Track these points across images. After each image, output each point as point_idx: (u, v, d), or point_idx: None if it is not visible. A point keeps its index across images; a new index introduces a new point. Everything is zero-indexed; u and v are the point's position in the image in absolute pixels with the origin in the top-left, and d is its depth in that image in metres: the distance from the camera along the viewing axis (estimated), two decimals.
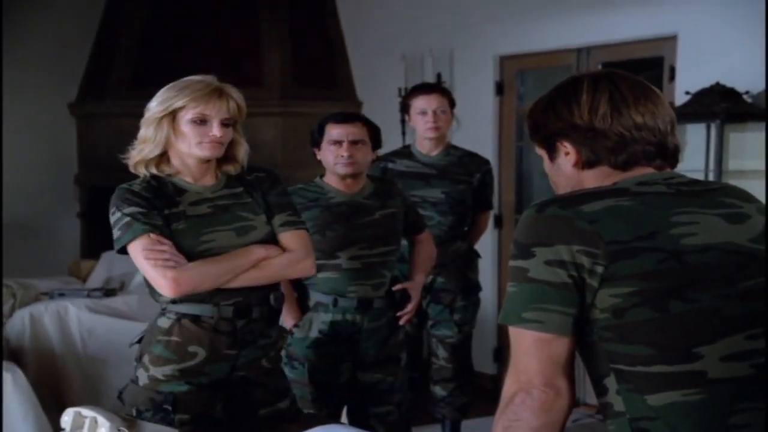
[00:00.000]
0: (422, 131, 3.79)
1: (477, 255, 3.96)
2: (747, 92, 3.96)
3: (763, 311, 1.39)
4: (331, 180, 3.00)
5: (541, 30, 4.89)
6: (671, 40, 4.34)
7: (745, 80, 3.95)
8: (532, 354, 1.38)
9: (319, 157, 3.02)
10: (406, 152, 3.87)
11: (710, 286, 1.37)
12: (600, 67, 4.86)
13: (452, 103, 3.81)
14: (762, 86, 3.96)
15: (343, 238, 2.92)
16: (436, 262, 3.59)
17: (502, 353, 5.35)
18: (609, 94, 1.47)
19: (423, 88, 3.86)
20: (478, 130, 5.16)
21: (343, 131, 2.94)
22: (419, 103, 3.76)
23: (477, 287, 3.92)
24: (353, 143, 2.93)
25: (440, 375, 3.91)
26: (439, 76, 5.36)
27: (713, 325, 1.36)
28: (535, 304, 1.37)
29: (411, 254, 3.18)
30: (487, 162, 3.93)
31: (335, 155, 2.94)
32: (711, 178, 4.02)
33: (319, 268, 2.90)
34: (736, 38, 4.02)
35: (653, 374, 1.35)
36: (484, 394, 4.99)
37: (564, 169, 1.53)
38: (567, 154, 1.51)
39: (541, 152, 1.58)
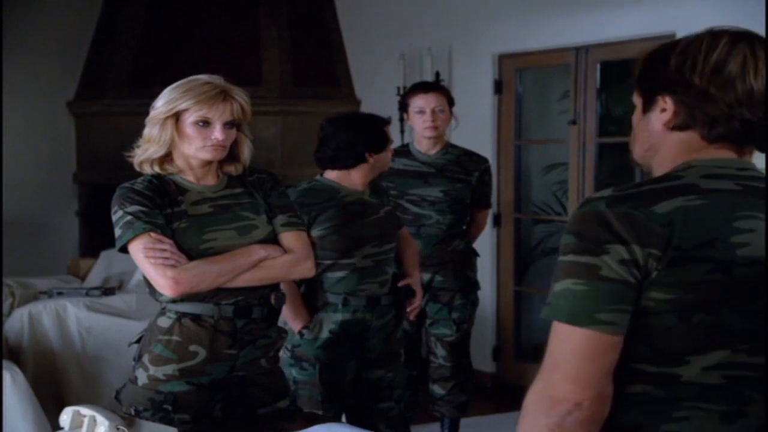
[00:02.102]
0: (420, 130, 3.79)
1: (475, 253, 3.97)
2: None
3: (763, 329, 1.36)
4: (341, 179, 2.98)
5: (539, 29, 4.89)
6: (670, 38, 4.33)
7: None
8: (595, 359, 1.30)
9: (372, 159, 2.95)
10: (404, 151, 3.88)
11: (739, 302, 1.34)
12: (598, 66, 4.87)
13: (451, 102, 3.81)
14: None
15: (359, 236, 2.93)
16: (435, 261, 3.59)
17: (500, 352, 5.35)
18: (743, 57, 1.37)
19: (421, 87, 3.86)
20: (477, 129, 5.16)
21: (390, 132, 3.06)
22: (417, 102, 3.76)
23: (475, 286, 3.92)
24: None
25: (439, 374, 3.91)
26: (437, 74, 5.36)
27: (716, 339, 1.34)
28: (611, 305, 1.29)
29: (397, 251, 3.19)
30: (485, 160, 3.93)
31: (391, 155, 3.06)
32: None
33: (331, 268, 2.90)
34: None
35: (636, 370, 1.35)
36: (483, 393, 5.00)
37: (652, 125, 1.45)
38: (662, 111, 1.42)
39: (637, 100, 1.49)
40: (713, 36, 1.40)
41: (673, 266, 1.30)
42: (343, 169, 2.96)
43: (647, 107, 1.46)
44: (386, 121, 3.06)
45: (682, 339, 1.33)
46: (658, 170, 1.45)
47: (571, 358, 1.30)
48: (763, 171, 1.46)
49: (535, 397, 1.34)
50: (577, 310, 1.30)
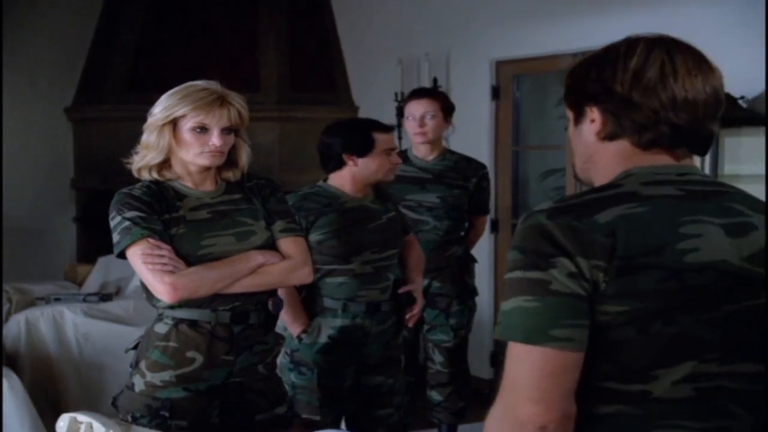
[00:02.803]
0: (411, 136, 3.81)
1: (473, 259, 3.97)
2: (742, 97, 3.97)
3: (733, 336, 1.32)
4: (341, 185, 2.98)
5: (537, 35, 4.90)
6: None
7: (741, 85, 3.95)
8: (556, 378, 1.25)
9: (353, 164, 2.95)
10: (402, 156, 3.88)
11: (696, 310, 1.30)
12: None
13: (446, 108, 3.81)
14: (757, 91, 3.97)
15: (358, 242, 2.93)
16: (432, 267, 3.59)
17: (498, 358, 5.35)
18: (661, 62, 1.35)
19: (414, 94, 3.88)
20: (475, 135, 5.16)
21: (392, 139, 3.01)
22: (409, 108, 3.79)
23: (473, 292, 3.93)
24: (390, 151, 2.99)
25: (436, 380, 3.91)
26: (435, 80, 5.37)
27: (681, 350, 1.30)
28: (566, 320, 1.24)
29: (401, 257, 3.19)
30: (483, 166, 3.94)
31: (388, 163, 2.96)
32: None
33: (331, 273, 2.90)
34: (731, 43, 4.03)
35: (603, 389, 1.30)
36: (481, 399, 4.98)
37: (585, 137, 1.43)
38: (592, 121, 1.41)
39: (569, 114, 1.48)
40: (629, 44, 1.39)
41: (621, 276, 1.26)
42: (331, 172, 2.99)
43: (578, 120, 1.44)
44: (376, 126, 3.00)
45: (644, 352, 1.28)
46: (598, 181, 1.42)
47: (531, 379, 1.25)
48: (704, 175, 1.45)
49: (496, 422, 1.29)
50: (532, 327, 1.25)
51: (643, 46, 1.37)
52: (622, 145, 1.39)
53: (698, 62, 1.37)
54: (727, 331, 1.32)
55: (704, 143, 1.41)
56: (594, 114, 1.40)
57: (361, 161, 2.94)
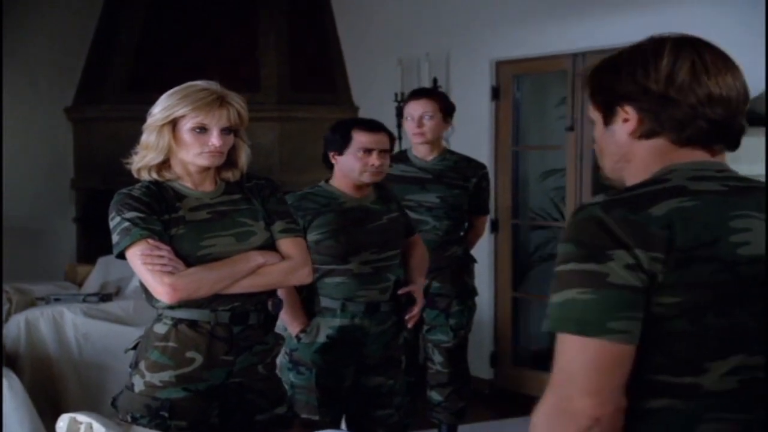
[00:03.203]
0: (410, 136, 3.82)
1: (473, 260, 3.97)
2: None
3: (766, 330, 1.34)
4: (341, 185, 2.99)
5: (537, 35, 4.90)
6: None
7: None
8: (611, 370, 1.25)
9: (335, 162, 2.97)
10: (402, 157, 3.88)
11: (748, 302, 1.32)
12: None
13: (445, 108, 3.80)
14: (757, 91, 3.97)
15: (356, 242, 2.92)
16: (432, 267, 3.59)
17: (498, 358, 5.35)
18: (691, 61, 1.37)
19: (413, 94, 3.88)
20: (475, 135, 5.16)
21: (374, 140, 2.93)
22: (408, 108, 3.79)
23: (473, 292, 3.92)
24: (382, 152, 2.94)
25: (436, 380, 3.91)
26: (435, 80, 5.37)
27: (732, 342, 1.31)
28: (622, 313, 1.25)
29: (405, 258, 3.19)
30: (483, 167, 3.94)
31: (364, 163, 2.91)
32: None
33: (329, 273, 2.90)
34: (731, 44, 4.01)
35: (655, 382, 1.31)
36: (481, 399, 4.99)
37: (617, 136, 1.43)
38: (626, 121, 1.41)
39: (595, 115, 1.47)
40: (656, 43, 1.41)
41: (678, 268, 1.27)
42: (331, 171, 3.00)
43: (608, 120, 1.44)
44: (359, 124, 2.97)
45: (697, 344, 1.30)
46: (632, 180, 1.43)
47: (587, 371, 1.25)
48: (738, 172, 1.46)
49: (548, 414, 1.29)
50: (587, 319, 1.25)
51: (671, 46, 1.39)
52: (659, 143, 1.40)
53: (725, 60, 1.41)
54: (763, 325, 1.33)
55: (737, 137, 1.45)
56: (628, 113, 1.40)
57: (341, 159, 2.95)
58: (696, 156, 1.40)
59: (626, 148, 1.43)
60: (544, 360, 4.98)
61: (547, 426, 1.29)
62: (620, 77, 1.40)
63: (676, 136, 1.39)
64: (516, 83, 5.29)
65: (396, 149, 4.66)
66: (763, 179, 3.73)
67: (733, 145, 1.45)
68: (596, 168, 4.93)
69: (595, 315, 1.25)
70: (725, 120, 1.39)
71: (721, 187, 1.37)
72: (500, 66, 5.23)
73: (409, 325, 3.12)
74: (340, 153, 2.94)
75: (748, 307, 1.32)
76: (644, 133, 1.40)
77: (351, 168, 2.93)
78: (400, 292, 3.07)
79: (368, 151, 2.91)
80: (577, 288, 1.26)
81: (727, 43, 4.39)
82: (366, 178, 2.94)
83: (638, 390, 1.30)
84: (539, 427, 1.30)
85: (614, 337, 1.24)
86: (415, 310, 3.09)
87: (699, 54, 1.38)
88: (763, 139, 3.88)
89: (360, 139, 2.92)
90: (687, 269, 1.27)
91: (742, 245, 1.31)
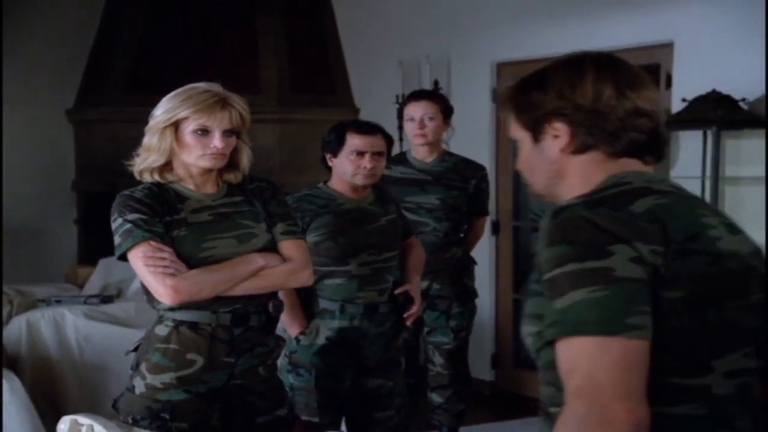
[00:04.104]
0: (410, 137, 3.82)
1: (473, 261, 3.97)
2: (743, 99, 3.97)
3: (756, 328, 1.32)
4: (339, 187, 2.99)
5: (537, 37, 4.90)
6: (667, 47, 4.35)
7: (742, 87, 3.96)
8: (638, 370, 1.18)
9: (331, 164, 2.99)
10: (401, 158, 3.88)
11: (737, 295, 1.30)
12: None
13: (445, 110, 3.81)
14: (758, 93, 3.97)
15: (355, 244, 2.93)
16: (432, 269, 3.59)
17: (499, 359, 5.35)
18: (613, 76, 1.38)
19: (413, 96, 3.89)
20: (475, 137, 5.16)
21: (367, 142, 2.94)
22: (408, 110, 3.79)
23: (473, 294, 3.92)
24: (375, 155, 2.94)
25: (437, 382, 3.90)
26: (436, 82, 5.37)
27: (729, 338, 1.29)
28: (638, 306, 1.19)
29: (402, 259, 3.19)
30: (482, 168, 3.94)
31: (356, 166, 2.92)
32: (707, 185, 4.03)
33: (328, 275, 2.90)
34: (732, 45, 4.03)
35: (667, 385, 1.24)
36: (482, 401, 4.99)
37: (548, 153, 1.41)
38: (556, 137, 1.39)
39: (522, 134, 1.45)
40: (577, 60, 1.42)
41: (676, 260, 1.24)
42: (330, 173, 3.01)
43: (537, 138, 1.42)
44: (354, 126, 2.98)
45: (702, 340, 1.26)
46: (571, 194, 1.39)
47: (615, 374, 1.16)
48: (688, 184, 1.51)
49: (579, 427, 1.17)
50: (606, 318, 1.18)
51: (591, 62, 1.40)
52: (594, 156, 1.39)
53: (641, 75, 1.42)
54: (756, 322, 1.32)
55: (663, 149, 1.45)
56: (558, 129, 1.39)
57: (336, 161, 2.97)
58: (633, 166, 1.39)
59: (558, 165, 1.41)
60: None
61: None
62: (547, 94, 1.40)
63: (610, 148, 1.38)
64: None
65: (397, 151, 4.68)
66: (763, 179, 3.73)
67: (660, 156, 1.45)
68: None
69: (612, 312, 1.18)
70: (653, 131, 1.40)
71: (674, 189, 1.38)
72: (501, 68, 5.23)
73: (408, 323, 3.12)
74: (335, 155, 2.96)
75: (737, 300, 1.30)
76: (578, 147, 1.39)
77: (344, 170, 2.95)
78: (396, 291, 3.07)
79: (361, 153, 2.92)
80: (586, 287, 1.20)
81: (728, 44, 4.40)
82: (358, 180, 2.94)
83: (653, 396, 1.21)
84: None
85: (635, 333, 1.18)
86: (414, 308, 3.09)
87: (619, 70, 1.40)
88: (764, 141, 3.89)
89: (353, 141, 2.93)
90: (684, 261, 1.25)
91: (719, 239, 1.31)
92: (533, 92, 1.42)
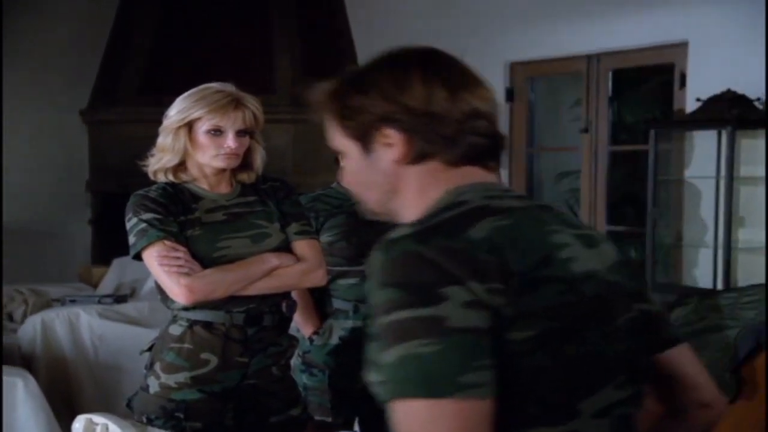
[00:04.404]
0: None
1: None
2: (758, 99, 3.95)
3: (625, 354, 1.18)
4: None
5: (551, 36, 4.89)
6: (682, 46, 4.33)
7: (756, 87, 3.93)
8: None
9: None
10: None
11: (601, 323, 1.14)
12: (610, 74, 4.86)
13: None
14: (757, 92, 3.95)
15: (368, 244, 2.91)
16: None
17: None
18: (443, 74, 1.22)
19: None
20: None
21: None
22: None
23: None
24: None
25: None
26: None
27: (595, 373, 1.14)
28: (475, 362, 1.02)
29: None
30: None
31: None
32: (722, 185, 4.01)
33: (342, 275, 2.90)
34: (747, 45, 4.01)
35: None
36: None
37: (382, 165, 1.23)
38: (389, 146, 1.21)
39: (346, 144, 1.26)
40: (401, 58, 1.25)
41: (522, 296, 1.07)
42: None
43: (367, 148, 1.23)
44: None
45: (564, 382, 1.10)
46: (406, 212, 1.24)
47: None
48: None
49: None
50: (435, 377, 1.01)
51: (417, 60, 1.25)
52: (432, 166, 1.22)
53: (475, 73, 1.27)
54: (625, 346, 1.18)
55: (500, 152, 1.29)
56: (390, 137, 1.21)
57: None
58: (476, 175, 1.23)
59: (394, 177, 1.23)
60: None
61: None
62: (370, 97, 1.22)
63: (449, 155, 1.21)
64: (530, 85, 5.28)
65: None
66: (763, 179, 3.68)
67: (498, 160, 1.28)
68: (611, 169, 4.92)
69: (443, 370, 1.01)
70: (493, 134, 1.25)
71: (519, 203, 1.21)
72: (514, 67, 5.22)
73: None
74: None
75: (600, 328, 1.15)
76: (415, 156, 1.21)
77: None
78: None
79: None
80: (414, 340, 1.02)
81: (740, 46, 4.37)
82: None
83: None
84: None
85: (471, 392, 1.01)
86: None
87: (448, 68, 1.25)
88: (763, 140, 3.87)
89: None
90: (532, 295, 1.08)
91: (573, 260, 1.15)
92: (354, 96, 1.23)
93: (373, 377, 1.12)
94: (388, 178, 1.24)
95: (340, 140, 1.27)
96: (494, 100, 1.26)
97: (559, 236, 1.17)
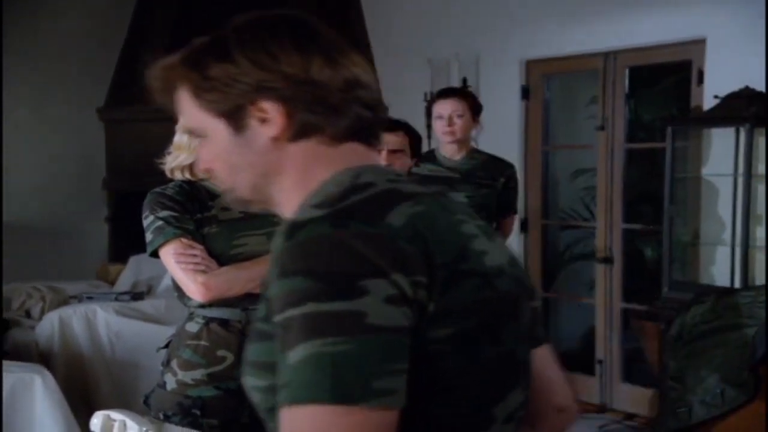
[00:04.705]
0: (439, 135, 3.82)
1: None
2: None
3: (526, 354, 1.10)
4: None
5: (567, 34, 4.88)
6: (699, 43, 4.31)
7: None
8: None
9: None
10: (429, 156, 3.88)
11: (513, 321, 1.05)
12: (627, 71, 4.84)
13: (474, 108, 3.81)
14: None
15: None
16: None
17: None
18: (314, 39, 1.08)
19: (442, 93, 3.89)
20: (504, 135, 5.15)
21: (387, 139, 2.95)
22: (437, 107, 3.80)
23: None
24: (393, 152, 2.93)
25: None
26: (464, 80, 5.36)
27: (507, 375, 1.04)
28: (390, 365, 0.89)
29: None
30: (511, 166, 3.93)
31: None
32: (740, 182, 3.98)
33: None
34: (765, 42, 3.98)
35: None
36: None
37: (256, 145, 1.07)
38: (264, 121, 1.06)
39: (209, 122, 1.09)
40: (268, 21, 1.11)
41: (446, 291, 0.95)
42: None
43: (237, 125, 1.08)
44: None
45: (480, 387, 1.00)
46: (286, 196, 1.10)
47: None
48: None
49: None
50: (346, 381, 0.87)
51: (285, 23, 1.10)
52: (313, 143, 1.08)
53: (342, 40, 1.12)
54: (526, 352, 1.10)
55: (382, 127, 1.16)
56: (266, 110, 1.06)
57: None
58: (361, 153, 1.10)
59: (271, 157, 1.08)
60: (573, 361, 4.95)
61: None
62: (238, 66, 1.06)
63: (335, 128, 1.07)
64: (546, 82, 5.27)
65: (427, 148, 4.67)
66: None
67: (378, 137, 1.14)
68: (627, 167, 4.90)
69: (356, 373, 0.87)
70: (376, 105, 1.11)
71: (423, 189, 1.07)
72: (530, 65, 5.21)
73: None
74: None
75: (513, 327, 1.05)
76: (297, 131, 1.06)
77: None
78: None
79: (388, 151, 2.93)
80: (323, 338, 0.88)
81: (757, 42, 4.36)
82: None
83: None
84: None
85: (383, 401, 0.88)
86: None
87: (319, 34, 1.10)
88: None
89: None
90: (454, 290, 0.96)
91: (484, 254, 1.03)
92: (215, 65, 1.08)
93: (253, 381, 1.01)
94: (264, 159, 1.08)
95: (198, 118, 1.11)
96: (370, 70, 1.12)
97: (468, 226, 1.05)
